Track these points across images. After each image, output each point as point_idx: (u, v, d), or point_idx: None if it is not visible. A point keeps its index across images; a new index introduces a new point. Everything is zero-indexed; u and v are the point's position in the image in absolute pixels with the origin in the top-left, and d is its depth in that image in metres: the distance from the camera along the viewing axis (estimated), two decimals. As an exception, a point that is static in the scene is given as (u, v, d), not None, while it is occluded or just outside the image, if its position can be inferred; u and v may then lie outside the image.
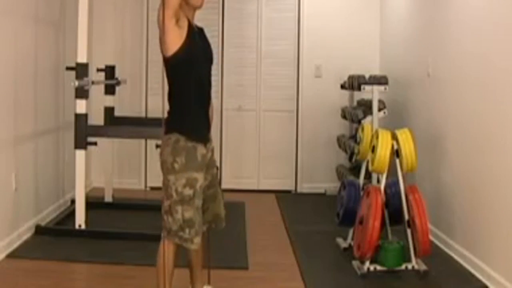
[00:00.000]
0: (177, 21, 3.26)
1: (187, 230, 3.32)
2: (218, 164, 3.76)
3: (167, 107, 3.43)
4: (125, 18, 7.32)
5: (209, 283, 3.76)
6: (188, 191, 3.33)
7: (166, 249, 3.33)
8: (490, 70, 4.37)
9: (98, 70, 6.29)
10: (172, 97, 3.42)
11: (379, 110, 5.88)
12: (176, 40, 3.29)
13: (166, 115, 3.46)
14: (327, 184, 7.32)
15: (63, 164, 6.07)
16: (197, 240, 3.35)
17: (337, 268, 4.70)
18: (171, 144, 3.37)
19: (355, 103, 6.94)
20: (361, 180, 5.17)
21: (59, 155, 6.01)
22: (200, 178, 3.38)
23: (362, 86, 5.96)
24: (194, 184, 3.35)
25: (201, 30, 3.55)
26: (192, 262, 3.64)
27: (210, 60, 3.58)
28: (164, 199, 3.38)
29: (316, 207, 6.75)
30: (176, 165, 3.34)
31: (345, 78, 6.76)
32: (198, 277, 3.71)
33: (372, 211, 4.39)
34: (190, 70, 3.37)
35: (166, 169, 3.38)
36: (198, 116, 3.45)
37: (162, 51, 3.36)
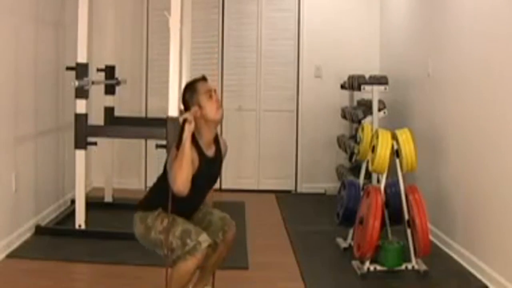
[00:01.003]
0: None
1: (188, 241, 3.31)
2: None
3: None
4: (125, 18, 7.31)
5: (213, 285, 3.76)
6: (166, 220, 3.36)
7: (185, 268, 3.32)
8: (490, 71, 4.36)
9: (98, 70, 6.29)
10: (160, 187, 3.48)
11: (379, 110, 5.88)
12: None
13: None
14: (327, 184, 7.32)
15: (63, 164, 6.07)
16: (202, 237, 3.33)
17: (337, 268, 4.70)
18: (138, 217, 3.50)
19: (355, 103, 6.94)
20: (361, 180, 5.17)
21: (59, 155, 6.01)
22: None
23: (362, 86, 5.97)
24: (168, 215, 3.37)
25: (217, 148, 3.54)
26: (208, 263, 3.62)
27: (214, 182, 3.62)
28: (165, 254, 3.40)
29: (316, 207, 6.74)
30: (149, 224, 3.43)
31: (345, 78, 6.76)
32: (204, 279, 3.71)
33: (372, 211, 4.39)
34: (187, 196, 3.32)
35: (144, 236, 3.47)
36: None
37: (167, 173, 3.34)
